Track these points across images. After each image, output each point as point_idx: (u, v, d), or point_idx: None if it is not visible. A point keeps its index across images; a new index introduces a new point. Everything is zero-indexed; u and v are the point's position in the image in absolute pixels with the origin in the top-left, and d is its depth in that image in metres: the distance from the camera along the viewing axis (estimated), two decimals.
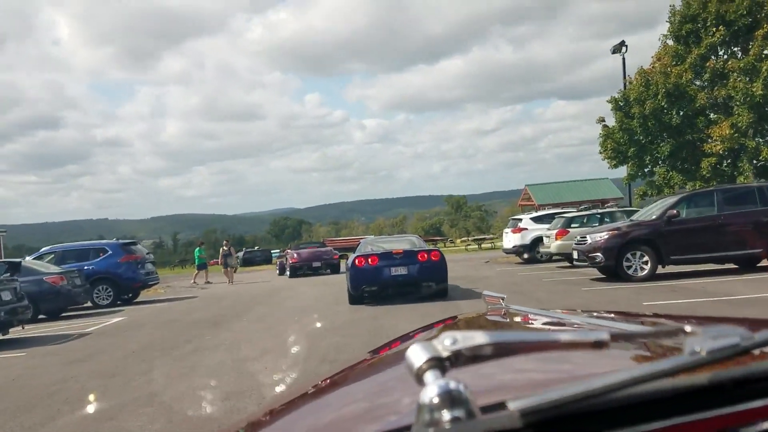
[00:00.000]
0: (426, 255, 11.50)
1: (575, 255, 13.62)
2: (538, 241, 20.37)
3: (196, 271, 24.03)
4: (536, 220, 20.97)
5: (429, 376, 0.62)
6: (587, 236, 13.14)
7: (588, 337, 0.75)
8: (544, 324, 1.51)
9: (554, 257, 19.48)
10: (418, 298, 11.39)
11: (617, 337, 0.79)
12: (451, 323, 1.72)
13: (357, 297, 11.71)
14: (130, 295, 17.41)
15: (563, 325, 1.43)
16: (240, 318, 11.51)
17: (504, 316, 1.58)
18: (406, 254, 11.47)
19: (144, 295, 19.28)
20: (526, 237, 20.57)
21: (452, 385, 0.59)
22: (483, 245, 36.15)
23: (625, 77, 25.16)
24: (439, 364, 0.63)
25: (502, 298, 1.65)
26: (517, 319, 1.56)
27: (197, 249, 25.11)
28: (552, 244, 17.84)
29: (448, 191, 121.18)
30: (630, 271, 12.59)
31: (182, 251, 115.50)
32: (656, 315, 1.53)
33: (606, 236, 12.73)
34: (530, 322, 1.55)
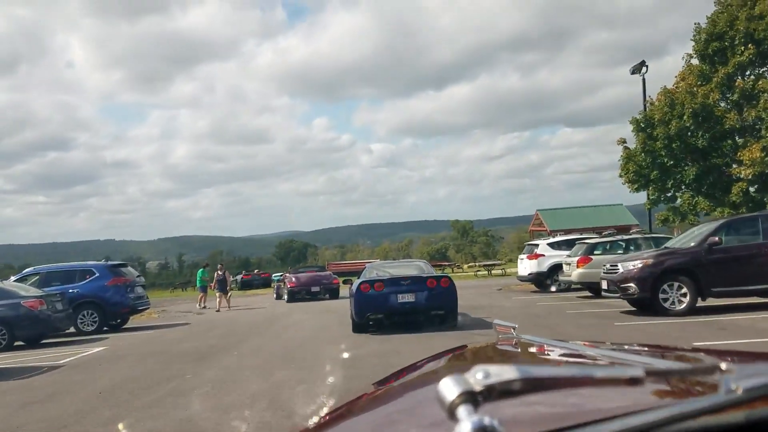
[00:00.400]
0: (435, 281, 10.93)
1: (604, 285, 12.34)
2: (556, 268, 19.07)
3: (200, 294, 22.63)
4: (554, 246, 19.69)
5: (462, 411, 0.61)
6: (618, 264, 11.87)
7: (623, 374, 0.75)
8: (561, 355, 1.46)
9: (574, 286, 18.21)
10: (426, 327, 10.64)
11: (652, 374, 0.79)
12: (460, 353, 1.71)
13: (361, 325, 11.10)
14: (118, 320, 16.19)
15: (582, 357, 1.41)
16: (230, 351, 10.25)
17: (515, 345, 1.56)
18: (413, 280, 10.92)
19: (135, 320, 18.05)
20: (543, 264, 19.28)
21: (486, 420, 0.58)
22: (493, 271, 34.81)
23: (645, 98, 24.12)
24: (472, 398, 0.63)
25: (513, 328, 1.61)
26: (531, 349, 1.54)
27: (200, 270, 23.81)
28: (573, 273, 16.54)
29: (453, 216, 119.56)
30: (666, 304, 11.31)
31: (187, 273, 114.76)
32: (688, 349, 1.55)
33: (640, 265, 11.46)
34: (545, 353, 1.52)
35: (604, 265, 12.66)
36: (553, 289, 18.80)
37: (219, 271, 20.75)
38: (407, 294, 10.72)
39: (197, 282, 23.71)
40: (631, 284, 11.43)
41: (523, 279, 20.35)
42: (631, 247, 16.63)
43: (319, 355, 9.32)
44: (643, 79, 25.25)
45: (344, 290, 29.54)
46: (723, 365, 0.76)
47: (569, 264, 17.03)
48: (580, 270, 16.34)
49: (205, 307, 21.42)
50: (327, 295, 22.56)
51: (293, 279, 23.03)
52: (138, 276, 16.60)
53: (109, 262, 15.93)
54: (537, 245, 19.87)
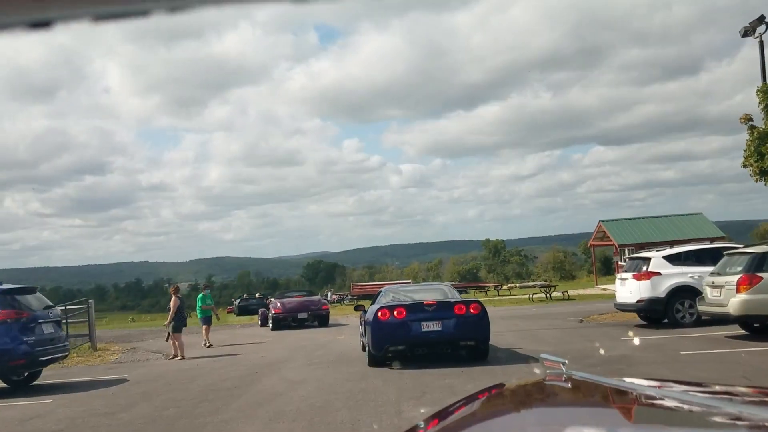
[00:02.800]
0: (464, 307, 9.70)
1: None
2: (680, 291, 13.00)
3: (203, 326, 15.87)
4: (673, 259, 13.53)
5: None
6: None
7: None
8: (615, 398, 1.36)
9: (704, 318, 12.14)
10: (454, 361, 9.26)
11: None
12: (497, 393, 1.61)
13: (379, 358, 9.72)
14: (25, 374, 10.59)
15: (636, 397, 1.33)
16: None
17: (565, 381, 1.45)
18: (440, 306, 9.68)
19: (72, 364, 12.59)
20: (659, 286, 13.13)
21: None
22: (553, 294, 28.51)
23: (764, 63, 18.10)
24: None
25: (563, 363, 1.50)
26: (582, 388, 1.44)
27: (200, 296, 17.20)
28: (731, 300, 10.37)
29: (483, 236, 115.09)
30: None
31: (216, 294, 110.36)
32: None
33: None
34: (597, 394, 1.42)
35: None
36: (693, 320, 12.46)
37: (174, 296, 14.29)
38: (432, 322, 9.47)
39: (198, 311, 17.11)
40: None
41: (624, 308, 14.16)
42: None
43: None
44: (761, 42, 19.30)
45: (340, 317, 23.56)
46: None
47: (719, 286, 10.88)
48: (743, 296, 10.20)
49: (210, 346, 15.35)
50: (315, 322, 20.60)
51: (278, 305, 20.78)
52: (48, 307, 10.81)
53: (4, 286, 10.28)
54: (647, 259, 13.69)
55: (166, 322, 13.82)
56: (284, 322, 20.20)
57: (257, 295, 37.14)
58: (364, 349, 10.92)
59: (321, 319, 20.80)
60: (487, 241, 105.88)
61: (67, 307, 16.91)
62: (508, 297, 33.54)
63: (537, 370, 1.55)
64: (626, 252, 33.06)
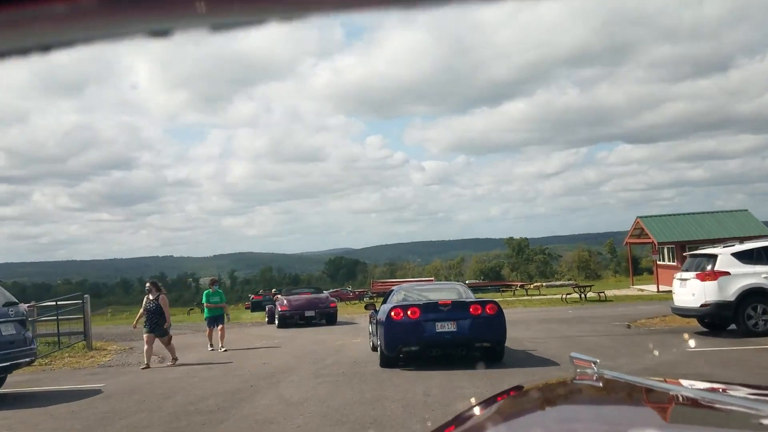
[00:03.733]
0: (480, 308, 9.30)
1: None
2: (752, 294, 11.10)
3: (208, 329, 13.94)
4: (744, 257, 11.57)
5: None
6: None
7: None
8: (648, 398, 1.30)
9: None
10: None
11: None
12: (516, 394, 1.52)
13: (392, 359, 9.35)
14: None
15: (672, 398, 1.28)
16: None
17: (597, 381, 1.39)
18: (455, 306, 9.30)
19: (47, 372, 11.10)
20: (727, 288, 11.22)
21: None
22: (588, 295, 26.46)
23: None
24: None
25: (594, 362, 1.45)
26: (614, 388, 1.37)
27: (206, 292, 14.59)
28: None
29: (506, 234, 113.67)
30: None
31: (239, 289, 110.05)
32: None
33: None
34: (630, 394, 1.36)
35: None
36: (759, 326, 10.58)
37: (150, 295, 12.05)
38: (447, 322, 9.12)
39: (204, 309, 14.88)
40: None
41: (686, 312, 12.24)
42: None
43: None
44: None
45: (357, 315, 22.27)
46: None
47: None
48: None
49: (212, 348, 13.64)
50: (323, 321, 20.00)
51: (285, 302, 20.04)
52: (9, 304, 9.07)
53: None
54: (713, 257, 11.74)
55: (165, 325, 12.12)
56: (291, 320, 19.56)
57: (273, 291, 35.88)
58: (374, 349, 10.69)
59: (329, 318, 20.17)
60: (511, 239, 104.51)
61: (58, 303, 15.51)
62: (537, 297, 31.57)
63: (587, 372, 1.45)
64: (665, 250, 30.91)
